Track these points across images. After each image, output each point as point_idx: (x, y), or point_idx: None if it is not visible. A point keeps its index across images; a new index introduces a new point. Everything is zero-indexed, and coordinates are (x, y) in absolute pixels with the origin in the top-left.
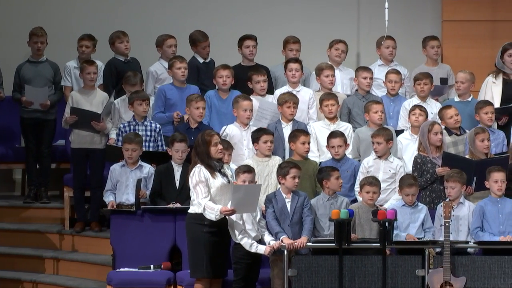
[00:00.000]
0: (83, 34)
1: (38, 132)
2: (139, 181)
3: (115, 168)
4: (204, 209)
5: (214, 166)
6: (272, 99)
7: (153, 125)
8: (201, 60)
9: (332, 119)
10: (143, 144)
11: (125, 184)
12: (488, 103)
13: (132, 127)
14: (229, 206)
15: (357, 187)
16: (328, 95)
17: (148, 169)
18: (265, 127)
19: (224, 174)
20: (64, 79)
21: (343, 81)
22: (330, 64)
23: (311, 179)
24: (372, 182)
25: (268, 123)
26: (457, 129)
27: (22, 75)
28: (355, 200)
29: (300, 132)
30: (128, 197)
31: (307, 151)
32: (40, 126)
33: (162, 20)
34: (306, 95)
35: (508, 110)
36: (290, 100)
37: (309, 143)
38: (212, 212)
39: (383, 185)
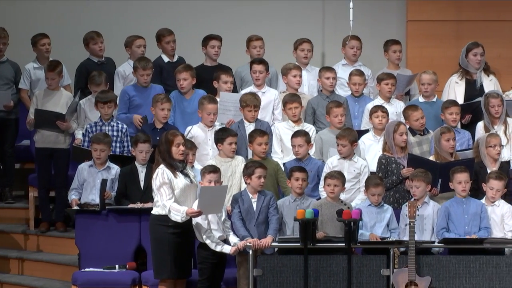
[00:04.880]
0: (39, 34)
1: (1, 132)
2: (104, 182)
3: (83, 167)
4: (169, 211)
5: (176, 166)
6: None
7: (120, 125)
8: (166, 60)
9: (296, 121)
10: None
11: (91, 184)
12: (454, 103)
13: (98, 127)
14: (195, 207)
15: (321, 187)
16: (292, 97)
17: (116, 170)
18: (231, 119)
19: (186, 175)
20: (22, 81)
21: (309, 82)
22: (298, 64)
23: (272, 179)
24: (333, 175)
25: (233, 114)
26: (421, 130)
27: None
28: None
29: (256, 133)
30: (94, 197)
31: (264, 152)
32: (2, 126)
33: (128, 21)
34: (272, 96)
35: (471, 107)
36: (251, 104)
37: (266, 143)
38: (178, 214)
39: (347, 185)
